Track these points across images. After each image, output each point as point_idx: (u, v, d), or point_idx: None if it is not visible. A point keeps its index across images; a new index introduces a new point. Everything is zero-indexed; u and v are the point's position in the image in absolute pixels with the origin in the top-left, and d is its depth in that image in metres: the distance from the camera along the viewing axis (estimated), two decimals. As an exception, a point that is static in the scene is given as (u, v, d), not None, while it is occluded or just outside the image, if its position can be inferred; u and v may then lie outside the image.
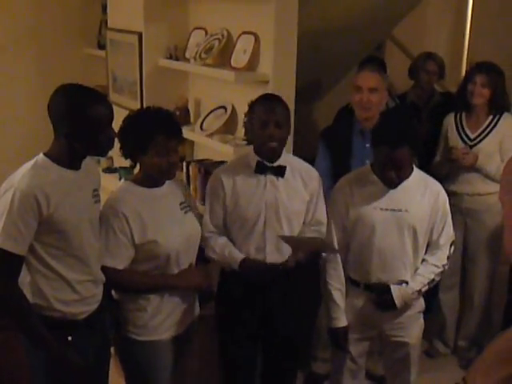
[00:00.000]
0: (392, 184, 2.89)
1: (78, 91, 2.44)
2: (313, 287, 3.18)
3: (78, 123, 2.37)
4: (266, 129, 2.84)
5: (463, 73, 4.89)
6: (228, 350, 3.18)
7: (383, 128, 2.96)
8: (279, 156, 2.94)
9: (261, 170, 2.92)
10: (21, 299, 2.37)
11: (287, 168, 2.94)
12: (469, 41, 5.47)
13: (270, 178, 2.92)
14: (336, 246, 3.00)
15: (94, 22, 5.12)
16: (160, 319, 2.77)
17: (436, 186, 3.03)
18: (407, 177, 2.91)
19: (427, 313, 3.21)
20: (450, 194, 3.16)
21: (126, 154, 2.74)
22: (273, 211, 2.92)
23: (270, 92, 3.20)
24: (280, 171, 2.93)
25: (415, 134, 2.92)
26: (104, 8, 4.82)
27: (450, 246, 3.05)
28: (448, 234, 3.03)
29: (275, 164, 2.93)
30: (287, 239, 2.90)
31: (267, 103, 2.90)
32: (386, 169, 2.83)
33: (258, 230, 2.93)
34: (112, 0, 4.52)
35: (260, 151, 2.92)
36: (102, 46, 4.94)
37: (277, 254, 2.95)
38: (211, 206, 2.98)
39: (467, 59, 5.42)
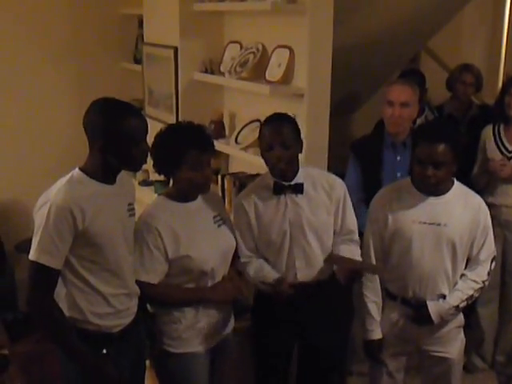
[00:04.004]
0: (429, 185, 2.82)
1: (112, 105, 2.44)
2: (345, 300, 3.17)
3: (112, 137, 2.37)
4: (272, 151, 2.82)
5: (500, 84, 4.84)
6: (263, 363, 3.17)
7: (423, 127, 2.93)
8: (295, 174, 2.91)
9: (279, 190, 2.90)
10: (56, 312, 2.39)
11: (308, 182, 2.92)
12: (505, 52, 5.41)
13: (290, 196, 2.90)
14: (374, 261, 2.98)
15: (130, 36, 5.19)
16: (195, 331, 2.77)
17: (477, 199, 2.97)
18: (446, 185, 2.86)
19: (465, 327, 3.16)
20: (488, 206, 3.12)
21: (159, 169, 2.74)
22: (297, 228, 2.91)
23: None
24: (298, 189, 2.90)
25: (456, 135, 2.86)
26: (140, 23, 4.87)
27: (491, 261, 2.98)
28: (489, 249, 2.97)
29: (292, 182, 2.90)
30: (335, 259, 2.91)
31: (272, 125, 2.87)
32: (425, 167, 2.76)
33: (285, 249, 2.93)
34: (148, 15, 4.58)
35: (272, 173, 2.92)
36: (138, 61, 5.00)
37: (307, 269, 2.95)
38: (241, 232, 2.97)
39: (504, 70, 5.36)
